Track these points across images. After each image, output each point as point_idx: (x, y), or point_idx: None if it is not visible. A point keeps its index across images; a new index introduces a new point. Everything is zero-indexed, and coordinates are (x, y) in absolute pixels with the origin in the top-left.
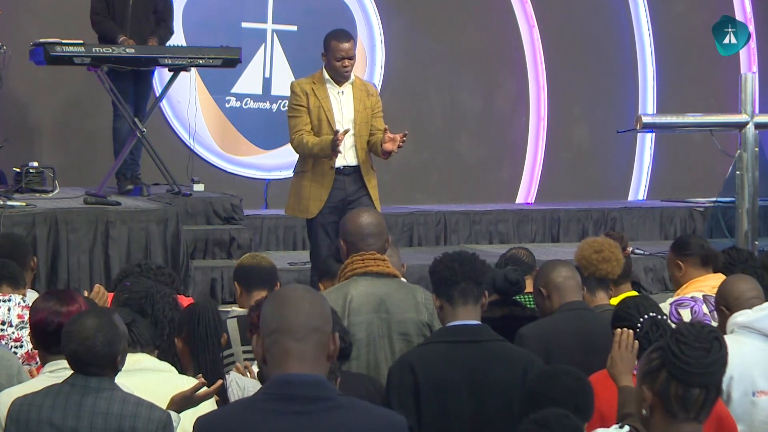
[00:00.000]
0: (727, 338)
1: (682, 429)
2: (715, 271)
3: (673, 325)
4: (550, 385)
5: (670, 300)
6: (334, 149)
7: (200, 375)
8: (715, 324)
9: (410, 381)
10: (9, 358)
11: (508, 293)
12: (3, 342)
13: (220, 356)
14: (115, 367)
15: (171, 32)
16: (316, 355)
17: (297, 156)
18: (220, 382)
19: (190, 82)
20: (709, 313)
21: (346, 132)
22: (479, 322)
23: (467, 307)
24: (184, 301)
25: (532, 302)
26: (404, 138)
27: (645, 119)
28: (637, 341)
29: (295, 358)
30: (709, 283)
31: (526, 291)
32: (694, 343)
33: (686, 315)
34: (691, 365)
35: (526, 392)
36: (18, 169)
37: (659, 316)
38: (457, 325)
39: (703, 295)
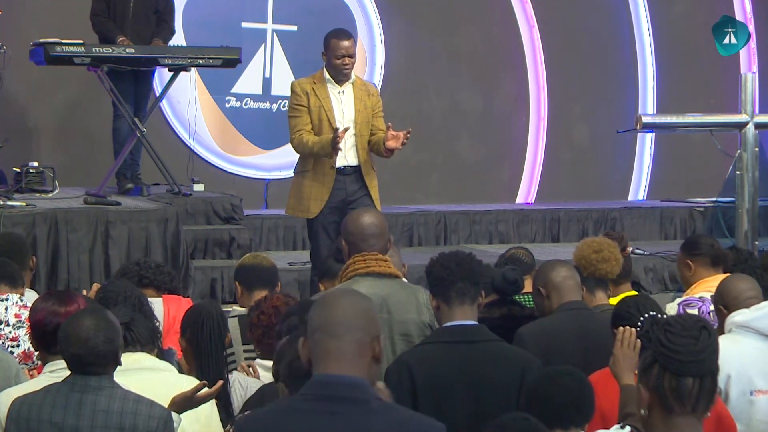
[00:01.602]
0: (725, 337)
1: (680, 423)
2: (725, 272)
3: None
4: (551, 385)
5: (678, 300)
6: (334, 147)
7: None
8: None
9: (407, 381)
10: (7, 360)
11: (507, 293)
12: (0, 341)
13: (224, 359)
14: (117, 362)
15: (173, 32)
16: (356, 354)
17: (297, 156)
18: (220, 382)
19: (190, 82)
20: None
21: (346, 130)
22: (476, 323)
23: (464, 308)
24: (183, 301)
25: (531, 302)
26: (408, 135)
27: (645, 119)
28: (639, 340)
29: (335, 356)
30: (717, 283)
31: (525, 291)
32: (681, 332)
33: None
34: (680, 353)
35: (527, 393)
36: (18, 169)
37: (659, 315)
38: (454, 326)
39: (711, 296)
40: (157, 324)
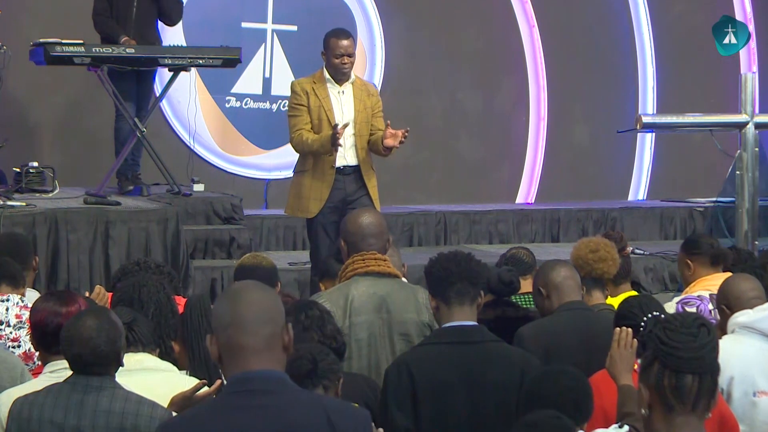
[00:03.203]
0: (728, 338)
1: (680, 423)
2: (725, 271)
3: None
4: (549, 385)
5: (677, 299)
6: (334, 143)
7: (199, 381)
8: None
9: (407, 382)
10: (12, 361)
11: (502, 294)
12: (0, 342)
13: None
14: (119, 363)
15: (181, 3)
16: (270, 348)
17: (297, 156)
18: (219, 382)
19: (190, 82)
20: (715, 311)
21: (345, 126)
22: (476, 323)
23: (463, 308)
24: (183, 302)
25: (532, 302)
26: (406, 134)
27: (645, 119)
28: (636, 340)
29: (251, 352)
30: (716, 282)
31: (526, 291)
32: (680, 329)
33: None
34: (680, 350)
35: (525, 393)
36: (18, 169)
37: (663, 316)
38: (453, 326)
39: (710, 294)
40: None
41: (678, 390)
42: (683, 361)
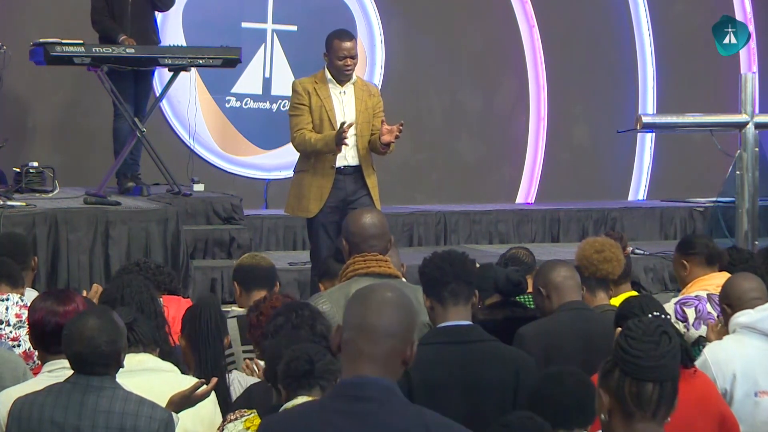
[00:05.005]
0: (730, 338)
1: (640, 429)
2: (721, 270)
3: (679, 324)
4: (555, 387)
5: (675, 299)
6: (339, 143)
7: (200, 380)
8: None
9: (403, 382)
10: (15, 360)
11: (510, 294)
12: (0, 341)
13: (222, 350)
14: (119, 363)
15: None
16: (388, 358)
17: (297, 156)
18: (215, 380)
19: (190, 82)
20: (714, 311)
21: (351, 125)
22: (470, 323)
23: (458, 308)
24: (182, 302)
25: (532, 302)
26: (401, 128)
27: (645, 119)
28: None
29: (367, 359)
30: (713, 281)
31: (526, 291)
32: (642, 337)
33: (691, 314)
34: (641, 358)
35: (530, 394)
36: (18, 169)
37: (663, 316)
38: (448, 326)
39: (708, 294)
40: (165, 323)
41: (638, 397)
42: (644, 369)
